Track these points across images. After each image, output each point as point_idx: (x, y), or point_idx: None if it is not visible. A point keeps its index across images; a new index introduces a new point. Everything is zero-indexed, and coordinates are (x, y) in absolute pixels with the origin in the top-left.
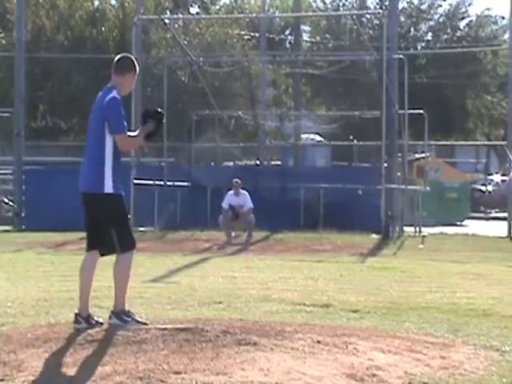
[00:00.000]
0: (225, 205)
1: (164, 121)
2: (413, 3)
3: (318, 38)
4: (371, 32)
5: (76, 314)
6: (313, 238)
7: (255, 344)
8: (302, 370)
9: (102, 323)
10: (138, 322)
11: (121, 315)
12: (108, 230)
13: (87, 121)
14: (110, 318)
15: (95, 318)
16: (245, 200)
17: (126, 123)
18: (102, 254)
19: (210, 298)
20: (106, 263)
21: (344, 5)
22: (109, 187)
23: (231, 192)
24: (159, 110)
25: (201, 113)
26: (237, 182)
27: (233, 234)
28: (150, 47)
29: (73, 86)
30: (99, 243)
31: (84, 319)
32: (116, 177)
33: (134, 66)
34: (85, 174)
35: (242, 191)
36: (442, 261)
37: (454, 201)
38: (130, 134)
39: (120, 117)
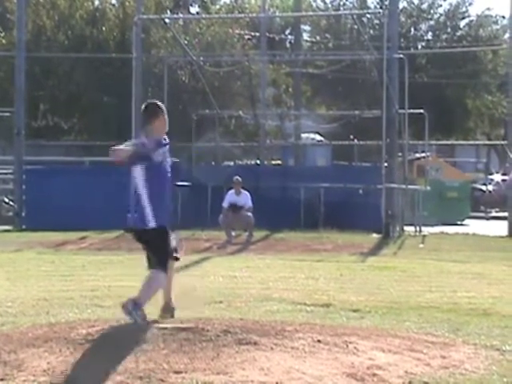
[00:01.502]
0: (225, 204)
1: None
2: (413, 3)
3: (318, 38)
4: (371, 31)
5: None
6: (313, 238)
7: (255, 343)
8: (302, 369)
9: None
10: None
11: (137, 308)
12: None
13: (88, 120)
14: (124, 305)
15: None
16: (245, 199)
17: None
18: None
19: (211, 297)
20: (105, 263)
21: (344, 4)
22: (152, 222)
23: (232, 191)
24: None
25: (201, 112)
26: (237, 179)
27: (233, 234)
28: (151, 47)
29: (73, 86)
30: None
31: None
32: (159, 209)
33: (160, 109)
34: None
35: (242, 191)
36: (443, 260)
37: (455, 200)
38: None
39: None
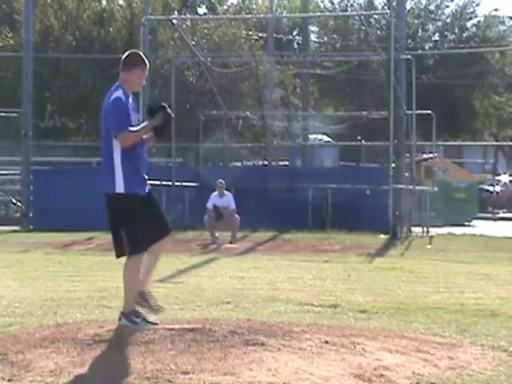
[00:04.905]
0: (209, 205)
1: (171, 115)
2: (420, 3)
3: (325, 39)
4: (379, 32)
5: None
6: (321, 239)
7: (263, 344)
8: (309, 370)
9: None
10: (148, 322)
11: (130, 316)
12: (118, 230)
13: (96, 121)
14: (119, 319)
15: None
16: (229, 201)
17: (130, 121)
18: (118, 256)
19: (218, 298)
20: (112, 264)
21: (352, 5)
22: (120, 187)
23: (215, 193)
24: (163, 104)
25: (208, 113)
26: (221, 182)
27: (216, 235)
28: (158, 47)
29: (81, 86)
30: (114, 244)
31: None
32: (132, 176)
33: (142, 60)
34: (102, 174)
35: (226, 192)
36: (450, 261)
37: (462, 201)
38: (131, 128)
39: (118, 117)
